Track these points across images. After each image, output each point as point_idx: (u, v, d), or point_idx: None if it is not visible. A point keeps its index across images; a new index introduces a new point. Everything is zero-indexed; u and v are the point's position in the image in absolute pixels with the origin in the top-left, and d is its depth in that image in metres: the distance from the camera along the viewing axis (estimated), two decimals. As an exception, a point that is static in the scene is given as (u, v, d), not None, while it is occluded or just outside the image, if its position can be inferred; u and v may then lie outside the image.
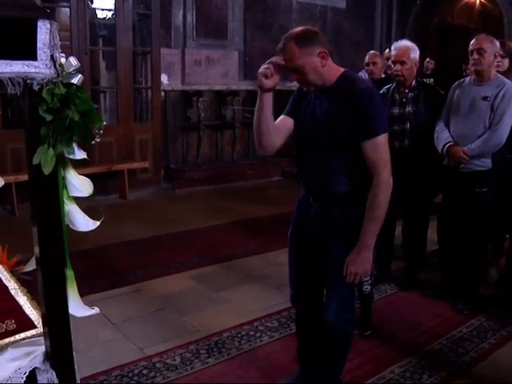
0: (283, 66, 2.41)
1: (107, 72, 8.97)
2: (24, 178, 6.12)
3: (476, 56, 3.74)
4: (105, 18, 8.67)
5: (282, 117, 2.72)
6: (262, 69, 2.43)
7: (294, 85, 2.61)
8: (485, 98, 3.73)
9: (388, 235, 4.47)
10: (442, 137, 3.88)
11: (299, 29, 2.44)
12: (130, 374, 3.08)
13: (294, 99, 2.70)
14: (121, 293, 4.23)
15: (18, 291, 1.90)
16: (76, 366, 1.44)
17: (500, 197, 3.97)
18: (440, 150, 3.88)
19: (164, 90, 8.41)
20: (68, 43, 7.22)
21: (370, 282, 3.61)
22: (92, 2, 8.30)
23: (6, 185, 6.20)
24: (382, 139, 2.40)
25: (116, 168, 7.49)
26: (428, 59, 9.93)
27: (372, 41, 11.47)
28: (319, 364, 2.85)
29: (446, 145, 3.83)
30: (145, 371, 3.12)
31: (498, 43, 3.79)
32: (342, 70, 2.51)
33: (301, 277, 2.82)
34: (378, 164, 2.40)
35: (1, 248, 2.39)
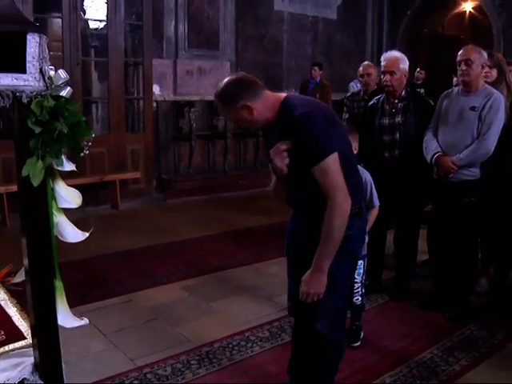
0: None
1: (99, 82, 8.99)
2: (15, 188, 6.10)
3: (464, 67, 3.77)
4: (97, 28, 8.69)
5: None
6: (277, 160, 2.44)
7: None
8: (473, 108, 3.76)
9: (379, 245, 4.49)
10: (431, 147, 3.91)
11: (222, 86, 2.43)
12: (121, 386, 3.08)
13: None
14: (112, 303, 4.23)
15: (8, 302, 1.90)
16: (65, 377, 1.44)
17: (490, 205, 3.99)
18: (429, 160, 3.90)
19: (156, 101, 8.43)
20: (60, 54, 7.24)
21: (360, 293, 3.62)
22: (84, 13, 8.34)
23: (-3, 195, 6.20)
24: (331, 161, 2.33)
25: (108, 178, 7.50)
26: (418, 69, 10.01)
27: (363, 51, 11.56)
28: (310, 374, 2.85)
29: (434, 155, 3.86)
30: (136, 382, 3.11)
31: (485, 54, 3.82)
32: (282, 98, 2.46)
33: (295, 288, 2.82)
34: (330, 188, 2.35)
35: (-9, 259, 2.39)
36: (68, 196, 1.34)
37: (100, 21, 8.31)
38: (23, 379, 1.39)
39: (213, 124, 9.12)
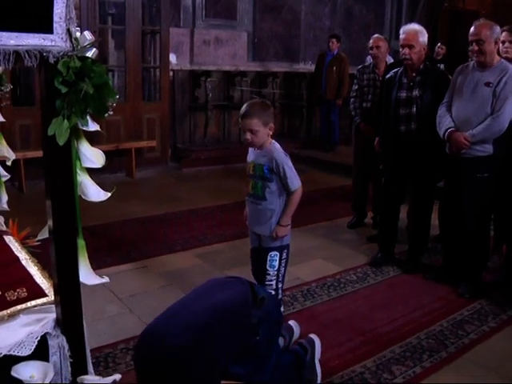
0: None
1: (116, 51, 8.96)
2: (32, 154, 6.18)
3: (476, 47, 3.70)
4: (115, -5, 8.65)
5: None
6: None
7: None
8: (487, 84, 3.71)
9: (392, 218, 4.51)
10: (444, 122, 3.88)
11: None
12: (136, 348, 3.14)
13: None
14: (127, 269, 4.30)
15: (29, 261, 1.94)
16: (86, 333, 1.49)
17: (504, 183, 3.98)
18: (442, 136, 3.88)
19: (172, 70, 8.41)
20: (77, 21, 7.21)
21: (274, 287, 3.27)
22: (102, -20, 8.29)
23: (15, 161, 6.23)
24: None
25: (123, 146, 7.54)
26: (439, 44, 9.88)
27: (381, 25, 11.39)
28: None
29: (447, 130, 3.83)
30: (150, 345, 3.17)
31: (498, 28, 3.74)
32: None
33: None
34: None
35: (11, 221, 2.44)
36: (92, 156, 1.36)
37: (118, -12, 8.26)
38: (46, 333, 1.43)
39: (229, 94, 9.11)
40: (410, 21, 11.27)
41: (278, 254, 3.24)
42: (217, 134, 9.10)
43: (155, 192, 6.88)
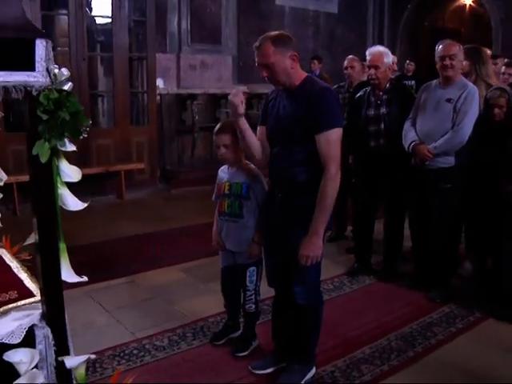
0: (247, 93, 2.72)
1: (105, 77, 9.23)
2: (25, 178, 6.37)
3: (448, 62, 3.99)
4: (103, 24, 8.93)
5: (259, 128, 3.01)
6: (235, 97, 2.77)
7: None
8: (448, 100, 4.01)
9: (365, 230, 4.75)
10: (409, 136, 4.16)
11: (276, 32, 2.80)
12: (122, 354, 3.36)
13: (264, 107, 3.02)
14: (115, 284, 4.52)
15: (20, 269, 2.18)
16: (68, 326, 1.73)
17: (470, 194, 4.22)
18: (406, 149, 4.15)
19: (160, 94, 8.67)
20: (67, 49, 7.51)
21: (253, 300, 3.45)
22: (91, 10, 8.58)
23: (8, 185, 6.46)
24: (334, 135, 2.68)
25: (113, 169, 7.76)
26: (408, 61, 10.21)
27: (364, 45, 11.70)
28: (295, 338, 3.12)
29: (411, 143, 4.11)
30: (135, 351, 3.40)
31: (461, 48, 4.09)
32: (306, 74, 2.84)
33: (272, 262, 3.10)
34: (327, 158, 2.68)
35: (4, 237, 2.67)
36: (70, 172, 1.62)
37: (105, 17, 8.53)
38: (33, 325, 1.67)
39: (215, 116, 9.35)
40: (392, 40, 11.67)
41: (255, 268, 3.39)
42: (204, 155, 9.31)
43: (144, 212, 7.10)
